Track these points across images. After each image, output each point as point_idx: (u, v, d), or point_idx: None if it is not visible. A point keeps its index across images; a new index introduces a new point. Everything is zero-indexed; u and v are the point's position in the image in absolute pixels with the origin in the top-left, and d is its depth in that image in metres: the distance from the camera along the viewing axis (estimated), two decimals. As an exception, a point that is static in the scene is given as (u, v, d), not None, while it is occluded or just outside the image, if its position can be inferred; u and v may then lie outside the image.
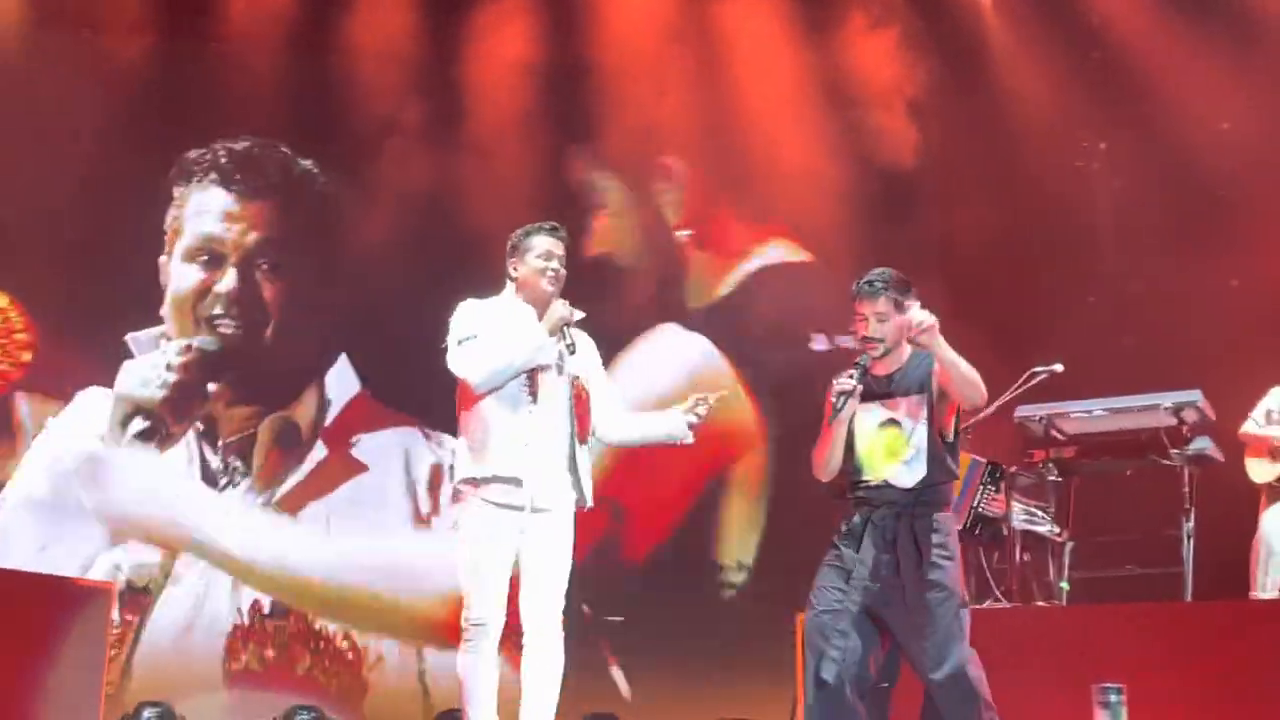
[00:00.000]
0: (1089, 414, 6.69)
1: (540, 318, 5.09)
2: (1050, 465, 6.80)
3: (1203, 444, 6.66)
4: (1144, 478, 6.90)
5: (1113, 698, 4.43)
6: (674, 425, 5.20)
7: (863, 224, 9.56)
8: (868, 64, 9.87)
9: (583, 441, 5.14)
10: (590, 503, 5.14)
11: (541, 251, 5.12)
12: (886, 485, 4.88)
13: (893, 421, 4.88)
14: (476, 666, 4.93)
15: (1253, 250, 8.60)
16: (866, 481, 4.92)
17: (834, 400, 4.85)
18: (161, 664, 8.82)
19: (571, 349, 5.01)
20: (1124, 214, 9.42)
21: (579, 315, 5.07)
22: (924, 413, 4.87)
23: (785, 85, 9.76)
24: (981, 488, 6.53)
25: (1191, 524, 6.52)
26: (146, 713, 8.07)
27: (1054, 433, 6.78)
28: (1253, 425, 7.10)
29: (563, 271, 5.16)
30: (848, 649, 4.76)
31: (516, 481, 4.98)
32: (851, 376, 4.86)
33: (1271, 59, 8.84)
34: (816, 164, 9.68)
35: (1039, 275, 9.21)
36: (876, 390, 4.93)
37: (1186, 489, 6.54)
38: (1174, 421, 6.54)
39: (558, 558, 5.06)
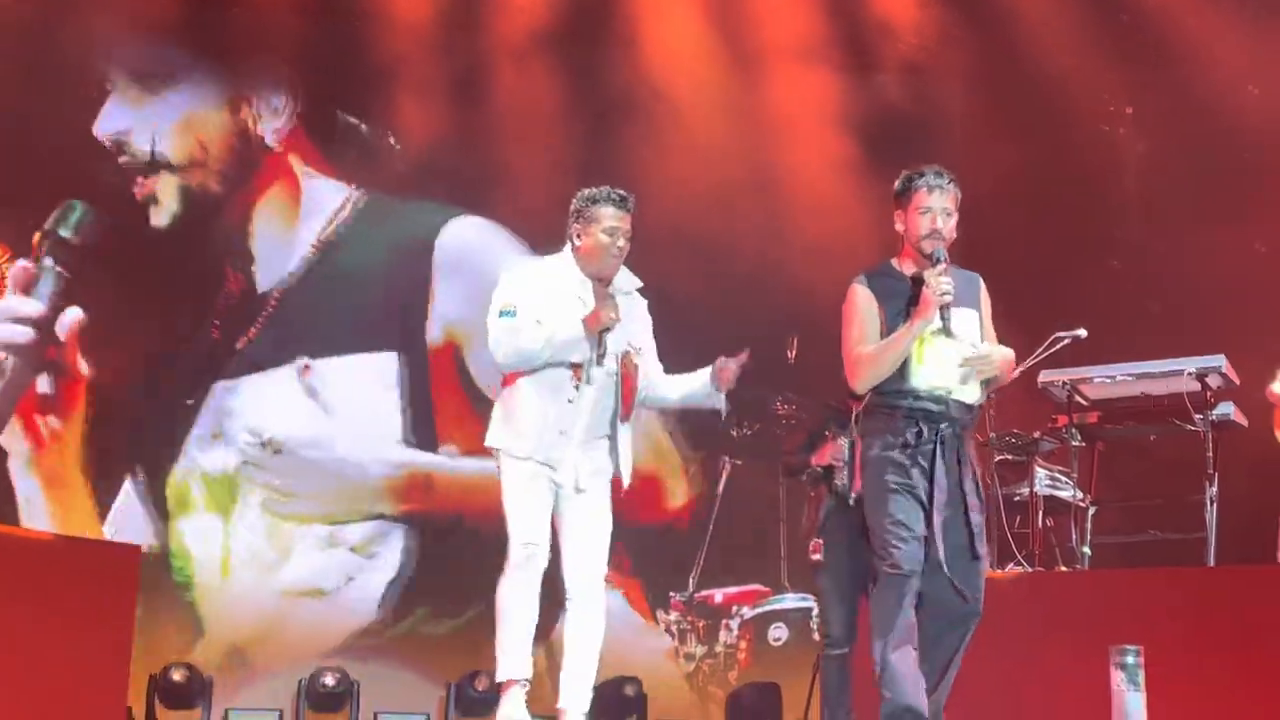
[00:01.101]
0: (1112, 379, 6.72)
1: (599, 290, 5.06)
2: (1073, 430, 6.81)
3: (1226, 409, 6.63)
4: (1167, 443, 6.89)
5: (1130, 659, 4.35)
6: (707, 383, 5.16)
7: (878, 187, 9.41)
8: (887, 23, 9.88)
9: (625, 420, 5.14)
10: (628, 481, 5.17)
11: (609, 226, 5.05)
12: (953, 400, 4.60)
13: (946, 332, 4.59)
14: (521, 592, 4.99)
15: (1278, 215, 8.63)
16: (932, 393, 4.58)
17: (937, 298, 4.47)
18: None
19: (602, 359, 4.97)
20: (1149, 179, 9.42)
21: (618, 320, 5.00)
22: (976, 330, 4.67)
23: (800, 40, 9.78)
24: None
25: (1214, 489, 6.49)
26: (175, 673, 8.16)
27: (1077, 398, 6.79)
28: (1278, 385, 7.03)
29: (627, 247, 5.09)
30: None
31: (552, 468, 5.05)
32: (944, 275, 4.50)
33: (1302, 23, 8.80)
34: (830, 125, 9.72)
35: (1063, 240, 9.20)
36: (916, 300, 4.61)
37: (1210, 454, 6.52)
38: (1198, 387, 6.53)
39: (597, 527, 5.13)
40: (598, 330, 4.94)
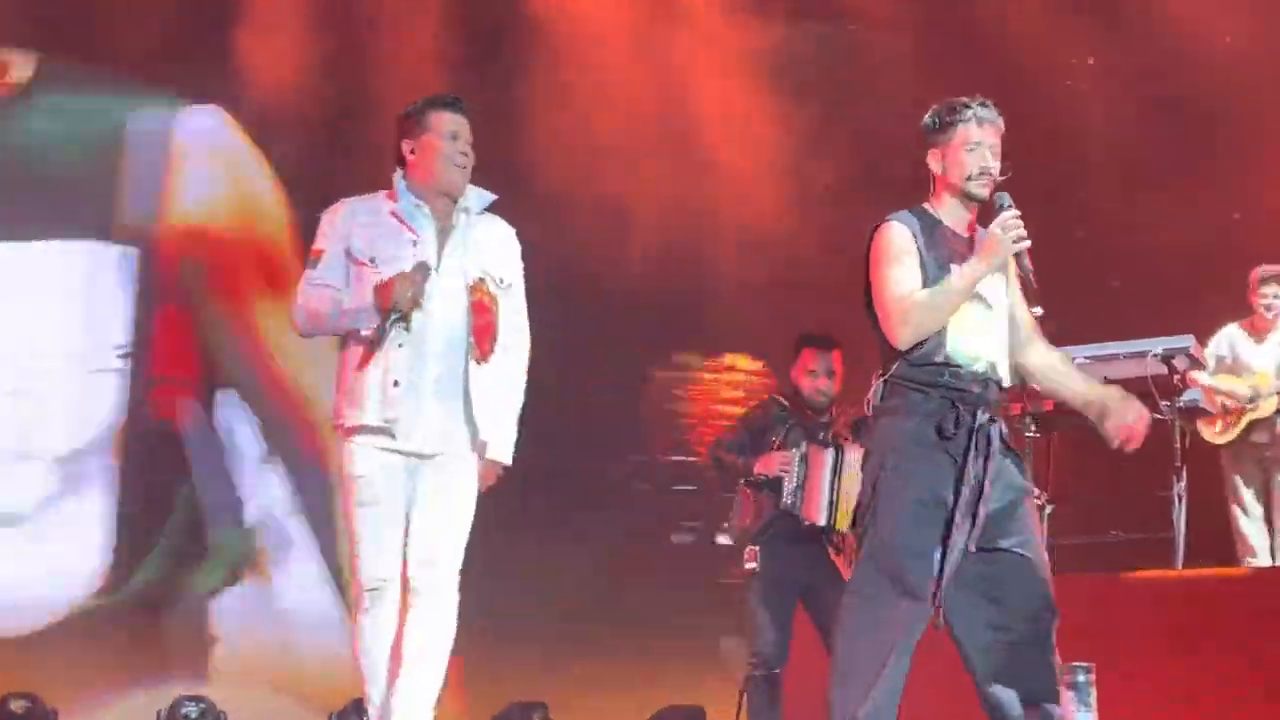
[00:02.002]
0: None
1: (435, 212, 4.51)
2: (1028, 420, 6.56)
3: (1195, 395, 6.61)
4: None
5: (1080, 677, 4.04)
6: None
7: (826, 146, 9.18)
8: None
9: (483, 362, 4.53)
10: (498, 448, 4.56)
11: (447, 130, 4.55)
12: (989, 379, 4.07)
13: (979, 298, 4.08)
14: (377, 641, 4.44)
15: (1258, 178, 8.42)
16: (972, 367, 4.05)
17: (1011, 242, 3.98)
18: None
19: (407, 326, 4.41)
20: (1116, 139, 9.21)
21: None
22: (1004, 298, 4.16)
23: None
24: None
25: (1183, 484, 6.31)
26: (186, 708, 7.79)
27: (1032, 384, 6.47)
28: (1202, 376, 6.96)
29: (472, 157, 4.56)
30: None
31: (388, 431, 4.43)
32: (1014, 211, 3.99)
33: (1280, -36, 8.66)
34: (761, 76, 9.31)
35: (1021, 208, 8.92)
36: (959, 252, 4.10)
37: (1178, 445, 6.34)
38: (1164, 370, 6.32)
39: (447, 505, 4.51)
40: (389, 311, 4.38)
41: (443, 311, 4.46)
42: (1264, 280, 7.41)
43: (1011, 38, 8.95)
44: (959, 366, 4.02)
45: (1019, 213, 4.03)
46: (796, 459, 5.81)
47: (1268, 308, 7.37)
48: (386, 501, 4.45)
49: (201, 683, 8.39)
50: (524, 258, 4.73)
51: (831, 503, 5.73)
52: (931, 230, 4.10)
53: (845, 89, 9.34)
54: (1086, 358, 6.38)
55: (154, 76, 9.01)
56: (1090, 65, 9.45)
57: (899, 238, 4.07)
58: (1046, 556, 4.10)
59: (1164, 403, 6.28)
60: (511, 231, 4.71)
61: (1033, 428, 6.58)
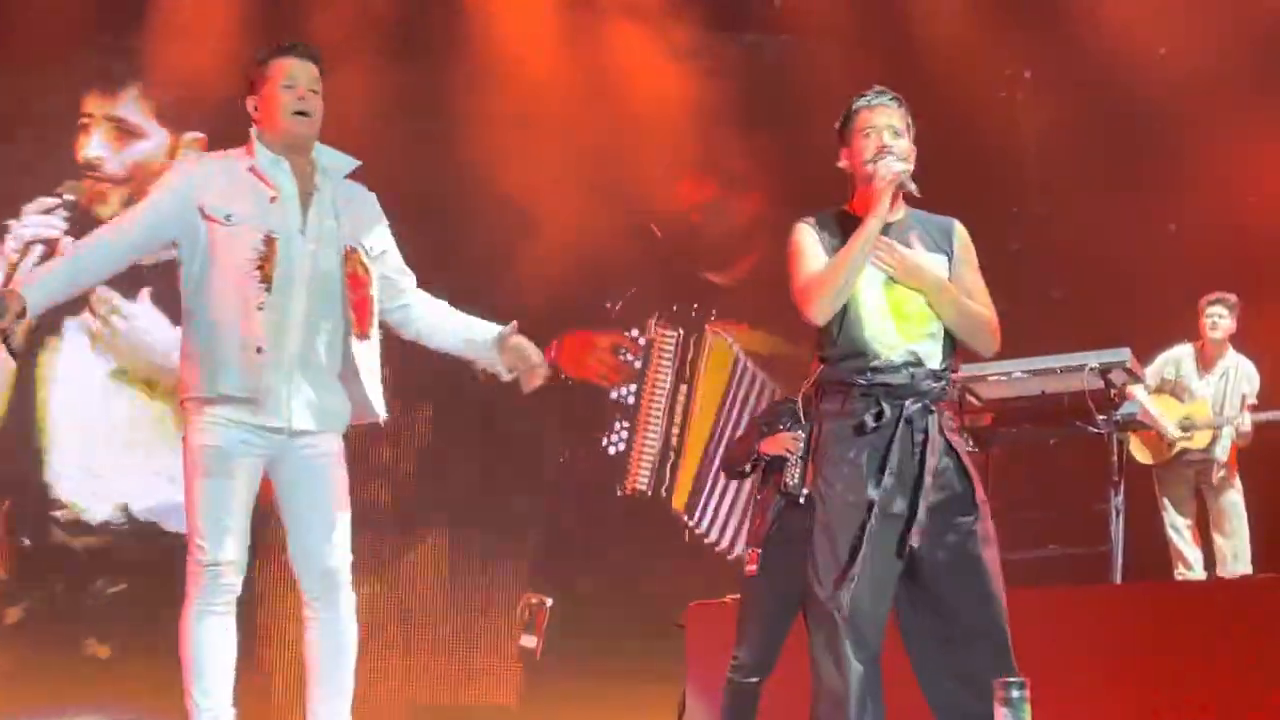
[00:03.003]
0: (1007, 376, 6.45)
1: (296, 171, 4.27)
2: (965, 435, 6.32)
3: (1132, 408, 6.55)
4: (1068, 447, 6.86)
5: (1014, 693, 3.88)
6: (490, 343, 4.40)
7: (757, 158, 9.32)
8: None
9: (362, 337, 4.29)
10: (382, 413, 4.34)
11: (287, 79, 4.27)
12: (915, 364, 4.00)
13: (891, 282, 4.02)
14: (209, 627, 4.12)
15: (1194, 190, 8.45)
16: (884, 359, 4.00)
17: (888, 180, 3.95)
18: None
19: (7, 339, 4.02)
20: (1051, 151, 9.29)
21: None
22: (945, 276, 4.09)
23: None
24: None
25: (1121, 498, 6.35)
26: None
27: (969, 398, 6.55)
28: (1141, 392, 7.01)
29: (320, 107, 4.30)
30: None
31: (250, 402, 4.14)
32: (897, 159, 3.97)
33: (1214, -28, 8.72)
34: (710, 93, 9.37)
35: (958, 216, 8.98)
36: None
37: (1115, 459, 6.38)
38: (1101, 384, 6.32)
39: (328, 490, 4.24)
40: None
41: (311, 279, 4.22)
42: (1210, 302, 7.51)
43: (947, 50, 8.99)
44: (876, 357, 3.99)
45: (900, 154, 4.02)
46: (803, 436, 5.81)
47: (1213, 326, 7.46)
48: (241, 477, 4.15)
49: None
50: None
51: None
52: (838, 223, 4.10)
53: (776, 99, 9.37)
54: (1023, 371, 6.44)
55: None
56: (1026, 78, 9.52)
57: (803, 237, 4.10)
58: (991, 581, 3.97)
59: (1100, 417, 6.30)
60: (374, 198, 4.48)
61: (970, 442, 6.40)
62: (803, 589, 4.12)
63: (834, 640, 3.92)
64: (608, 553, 8.99)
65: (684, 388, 9.19)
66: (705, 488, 9.05)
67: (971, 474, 4.01)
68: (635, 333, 9.38)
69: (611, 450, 9.26)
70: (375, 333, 4.38)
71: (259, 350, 4.12)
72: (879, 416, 3.94)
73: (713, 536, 8.99)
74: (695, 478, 9.14)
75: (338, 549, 4.22)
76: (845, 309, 4.00)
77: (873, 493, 3.92)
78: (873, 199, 3.99)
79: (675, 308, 9.36)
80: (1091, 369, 6.33)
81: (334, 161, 4.40)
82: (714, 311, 9.50)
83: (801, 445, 5.82)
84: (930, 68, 8.84)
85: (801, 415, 5.78)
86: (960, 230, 4.19)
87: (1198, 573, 7.35)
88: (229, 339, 4.13)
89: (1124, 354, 6.38)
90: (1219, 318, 7.47)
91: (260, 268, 4.15)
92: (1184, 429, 7.38)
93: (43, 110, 8.89)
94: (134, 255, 4.24)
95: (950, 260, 4.11)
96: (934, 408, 3.99)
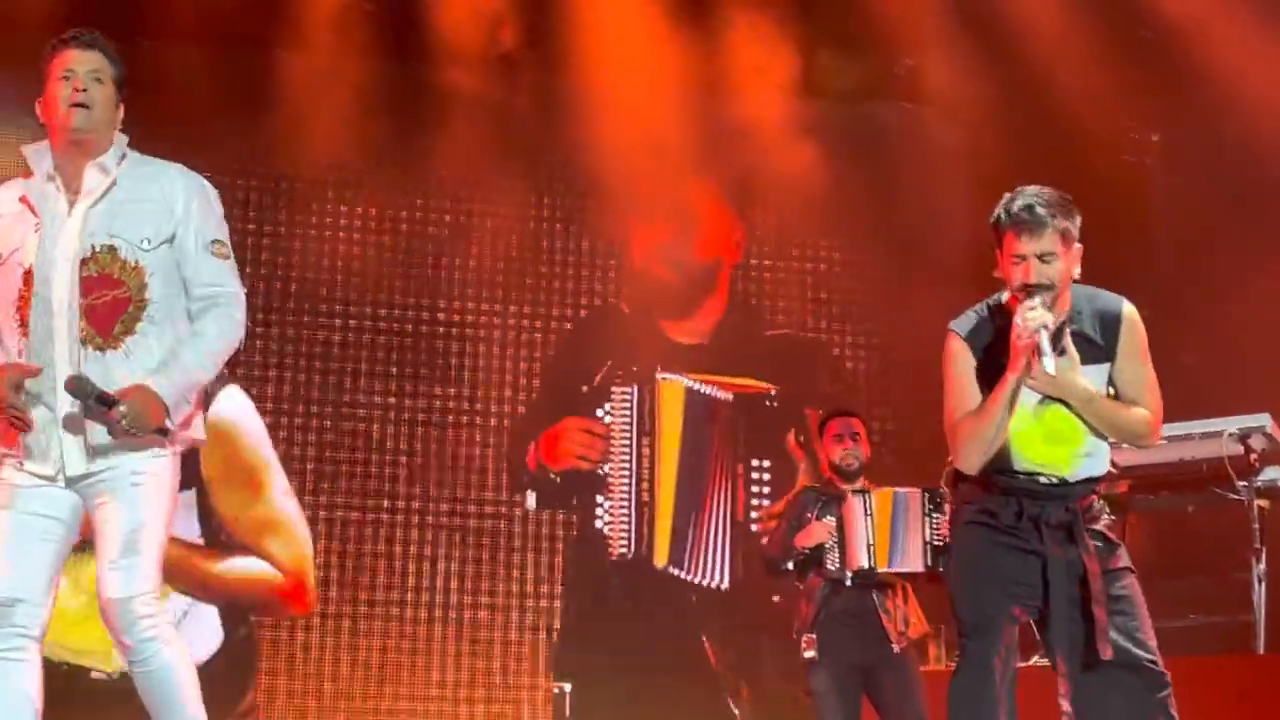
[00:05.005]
0: None
1: (66, 181, 3.96)
2: (1102, 503, 6.52)
3: (1274, 474, 6.55)
4: (1208, 514, 6.81)
5: None
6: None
7: (886, 227, 9.53)
8: (894, 50, 9.64)
9: (110, 346, 3.92)
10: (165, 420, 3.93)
11: (65, 70, 3.95)
12: (1063, 483, 4.15)
13: (1047, 404, 4.10)
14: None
15: None
16: (1028, 474, 4.14)
17: (1026, 340, 3.95)
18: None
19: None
20: (1181, 214, 9.27)
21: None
22: (1103, 383, 4.16)
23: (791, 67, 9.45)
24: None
25: (1263, 565, 6.40)
26: None
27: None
28: None
29: (104, 96, 3.97)
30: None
31: (25, 458, 3.92)
32: (1035, 307, 3.94)
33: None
34: (837, 161, 9.49)
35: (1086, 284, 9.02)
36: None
37: (1256, 525, 6.43)
38: (1240, 450, 6.43)
39: (120, 512, 3.91)
40: None
41: (61, 299, 3.92)
42: None
43: (1074, 116, 8.98)
44: (1020, 474, 4.13)
45: (1032, 305, 4.00)
46: (835, 522, 6.33)
47: None
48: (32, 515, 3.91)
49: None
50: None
51: (869, 544, 6.23)
52: (992, 321, 4.15)
53: (904, 167, 9.55)
54: (1162, 438, 6.45)
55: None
56: (1154, 142, 9.53)
57: (951, 351, 4.17)
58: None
59: (1240, 483, 6.40)
60: (188, 180, 4.09)
61: (1107, 511, 6.59)
62: None
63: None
64: (616, 627, 9.05)
65: (646, 438, 9.28)
66: (685, 534, 9.12)
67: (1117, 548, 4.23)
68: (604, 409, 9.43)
69: (602, 525, 9.29)
70: (133, 341, 3.99)
71: (29, 394, 3.90)
72: (1018, 516, 4.10)
73: (703, 580, 9.08)
74: (672, 530, 9.20)
75: (132, 576, 3.90)
76: None
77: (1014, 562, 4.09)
78: (1012, 356, 4.00)
79: (635, 367, 9.43)
80: (1230, 434, 6.46)
81: (109, 154, 4.04)
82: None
83: (835, 531, 6.30)
84: (1059, 133, 8.89)
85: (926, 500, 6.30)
86: (1128, 315, 4.24)
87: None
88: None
89: (1264, 419, 6.46)
90: None
91: (18, 306, 3.92)
92: None
93: None
94: None
95: (1113, 360, 4.17)
96: (1078, 508, 4.15)
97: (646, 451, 9.25)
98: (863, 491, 6.36)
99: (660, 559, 9.16)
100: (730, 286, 9.64)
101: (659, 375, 9.25)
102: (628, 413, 9.24)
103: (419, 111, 9.01)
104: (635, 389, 9.26)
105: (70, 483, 3.93)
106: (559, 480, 9.15)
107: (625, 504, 9.18)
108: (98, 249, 3.95)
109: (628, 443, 9.23)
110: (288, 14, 8.73)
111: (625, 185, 9.09)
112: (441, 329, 9.19)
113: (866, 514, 6.28)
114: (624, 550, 9.16)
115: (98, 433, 3.90)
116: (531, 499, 9.09)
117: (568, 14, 8.97)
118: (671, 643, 8.90)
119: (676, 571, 9.10)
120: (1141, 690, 4.14)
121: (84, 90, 3.94)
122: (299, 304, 9.08)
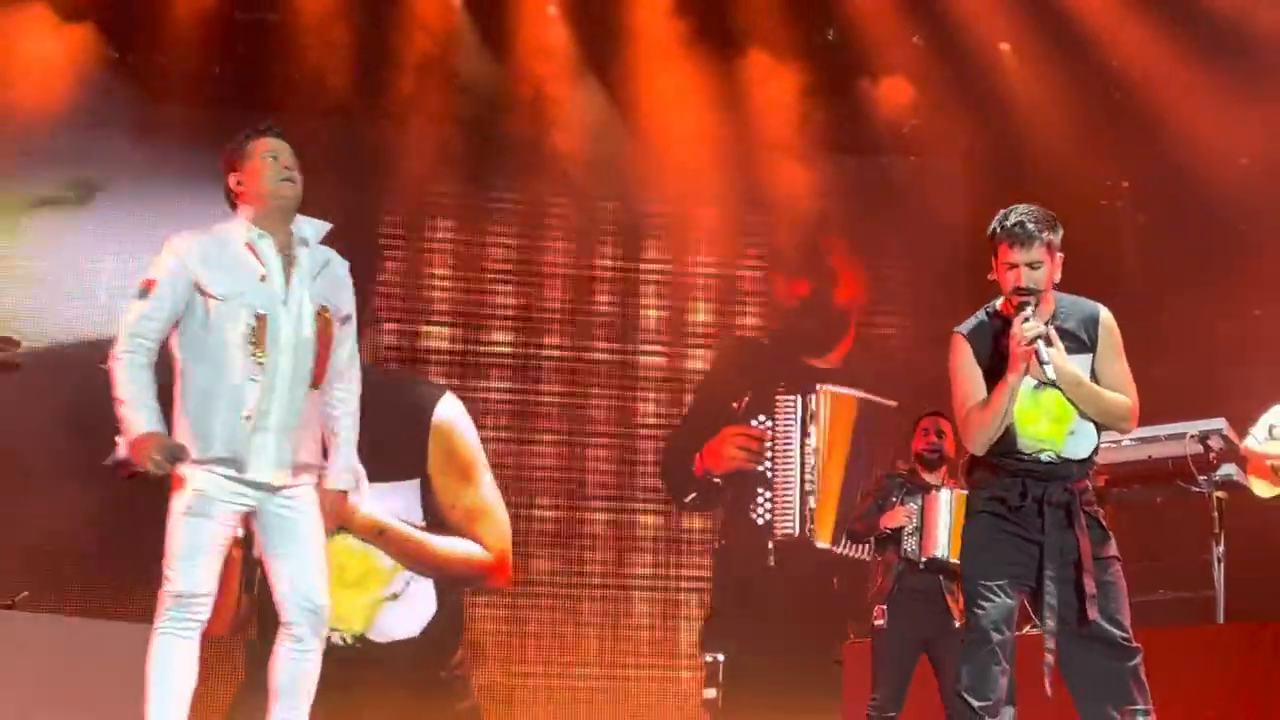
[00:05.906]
0: (1118, 444, 6.87)
1: (277, 240, 4.42)
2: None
3: (1229, 470, 6.88)
4: (1174, 505, 7.09)
5: None
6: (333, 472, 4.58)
7: (888, 268, 10.19)
8: (881, 110, 10.26)
9: (315, 385, 4.48)
10: (331, 467, 4.56)
11: (268, 152, 4.45)
12: (1063, 459, 4.46)
13: (1051, 384, 4.41)
14: (175, 651, 4.31)
15: (1274, 281, 8.88)
16: (1037, 455, 4.47)
17: (1024, 348, 4.30)
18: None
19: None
20: (1149, 249, 9.70)
21: None
22: (1087, 373, 4.47)
23: (788, 124, 10.23)
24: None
25: (1222, 548, 6.72)
26: None
27: None
28: (1253, 441, 7.20)
29: (299, 179, 4.47)
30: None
31: (235, 462, 4.36)
32: (1029, 319, 4.30)
33: (1283, 96, 9.10)
34: (841, 209, 10.25)
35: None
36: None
37: (1216, 514, 6.77)
38: (1201, 450, 6.79)
39: (307, 537, 4.46)
40: (126, 462, 4.31)
41: (291, 344, 4.41)
42: None
43: (1055, 167, 9.54)
44: (1024, 454, 4.47)
45: (1027, 317, 4.37)
46: (917, 511, 6.69)
47: None
48: (219, 520, 4.35)
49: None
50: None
51: (947, 537, 6.56)
52: (990, 325, 4.53)
53: (897, 217, 10.17)
54: (1131, 439, 6.80)
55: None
56: (1125, 187, 9.99)
57: (955, 353, 4.58)
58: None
59: (1201, 477, 6.76)
60: (346, 265, 4.63)
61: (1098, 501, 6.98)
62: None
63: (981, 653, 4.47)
64: (767, 606, 9.86)
65: (808, 438, 10.15)
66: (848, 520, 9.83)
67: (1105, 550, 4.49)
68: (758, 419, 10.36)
69: (759, 520, 10.23)
70: (335, 389, 4.58)
71: (247, 419, 4.35)
72: (1023, 496, 4.46)
73: (859, 554, 9.59)
74: (837, 517, 10.04)
75: (319, 587, 4.47)
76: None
77: (1023, 547, 4.42)
78: (1011, 361, 4.38)
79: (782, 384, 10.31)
80: (1192, 436, 6.79)
81: (309, 230, 4.54)
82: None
83: (916, 515, 6.64)
84: (1041, 181, 9.32)
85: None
86: (1105, 318, 4.60)
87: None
88: (218, 407, 4.35)
89: (1220, 423, 6.90)
90: None
91: (253, 342, 4.35)
92: None
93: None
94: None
95: (1095, 352, 4.53)
96: (1075, 488, 4.47)
97: (810, 448, 10.12)
98: (948, 489, 6.62)
99: (824, 540, 9.97)
100: (857, 328, 10.42)
101: (821, 387, 10.14)
102: (791, 417, 10.12)
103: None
104: (798, 397, 10.16)
105: (270, 491, 4.42)
106: (721, 482, 10.09)
107: (790, 493, 10.05)
108: (315, 310, 4.56)
109: (791, 442, 10.14)
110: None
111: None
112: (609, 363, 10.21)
113: (948, 509, 6.55)
114: (788, 530, 10.03)
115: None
116: (693, 499, 9.98)
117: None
118: (814, 626, 9.59)
119: (838, 550, 9.90)
120: (1116, 656, 4.46)
121: (290, 170, 4.51)
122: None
